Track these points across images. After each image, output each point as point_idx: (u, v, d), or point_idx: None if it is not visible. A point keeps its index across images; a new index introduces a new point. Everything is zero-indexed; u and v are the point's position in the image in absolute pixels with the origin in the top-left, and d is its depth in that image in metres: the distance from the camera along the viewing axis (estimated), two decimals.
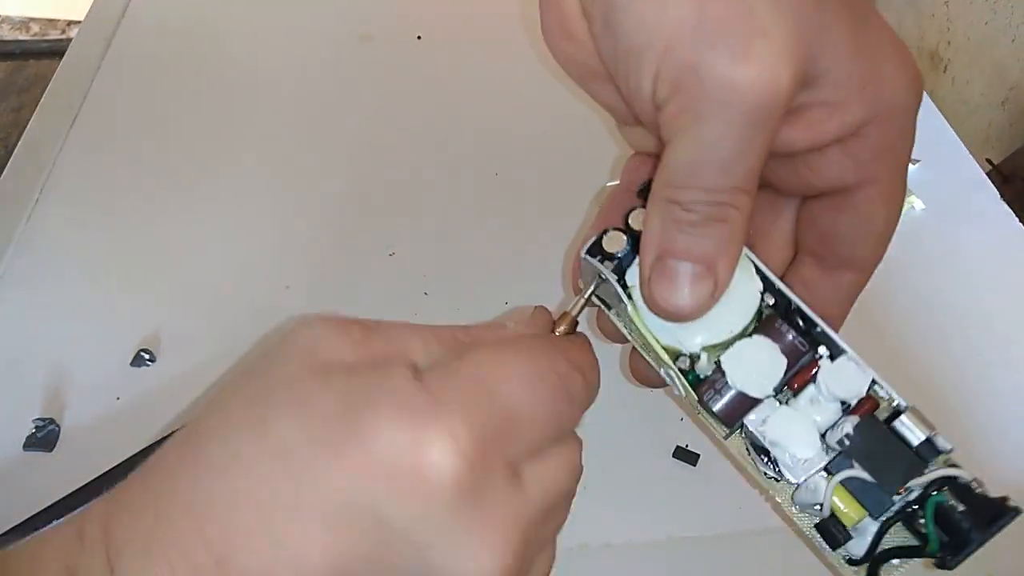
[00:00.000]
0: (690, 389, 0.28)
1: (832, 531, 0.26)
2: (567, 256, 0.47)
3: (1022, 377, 0.42)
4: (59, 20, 1.69)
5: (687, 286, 0.26)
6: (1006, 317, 0.45)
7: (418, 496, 0.20)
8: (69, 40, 0.63)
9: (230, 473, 0.20)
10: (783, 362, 0.27)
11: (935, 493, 0.25)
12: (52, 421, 0.38)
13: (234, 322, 0.43)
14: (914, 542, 0.26)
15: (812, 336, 0.28)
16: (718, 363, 0.28)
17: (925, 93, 0.57)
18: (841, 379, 0.27)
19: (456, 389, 0.22)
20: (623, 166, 0.32)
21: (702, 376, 0.28)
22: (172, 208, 0.49)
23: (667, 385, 0.29)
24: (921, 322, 0.44)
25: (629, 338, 0.30)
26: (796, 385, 0.27)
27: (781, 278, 0.29)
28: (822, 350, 0.28)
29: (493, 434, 0.22)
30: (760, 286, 0.28)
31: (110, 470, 0.36)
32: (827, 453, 0.27)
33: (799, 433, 0.27)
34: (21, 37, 1.68)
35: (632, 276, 0.28)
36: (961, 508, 0.25)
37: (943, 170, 0.53)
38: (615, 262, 0.29)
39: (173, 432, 0.23)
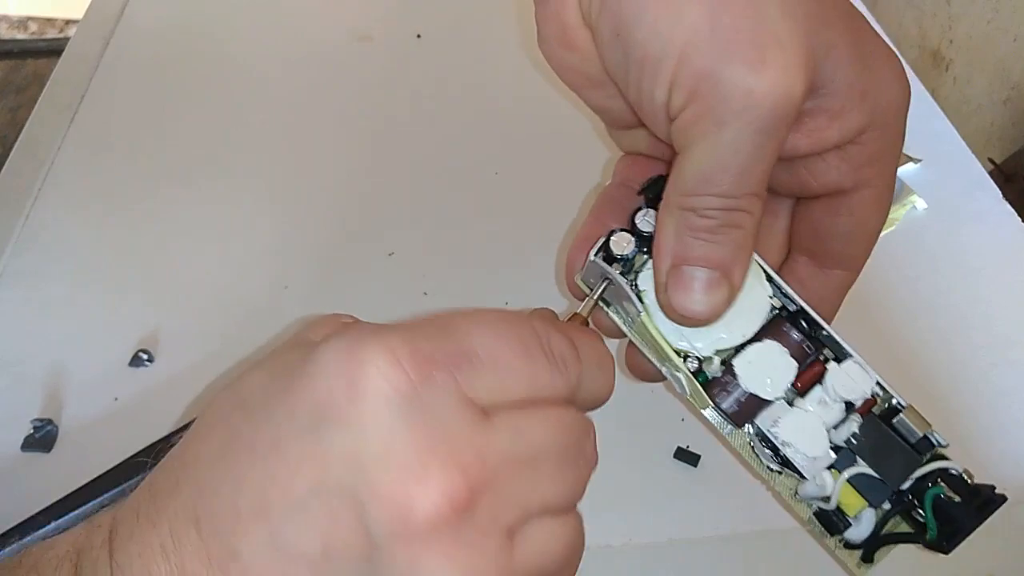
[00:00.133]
0: (700, 390, 0.28)
1: (833, 519, 0.28)
2: (560, 252, 0.47)
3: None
4: (57, 19, 1.69)
5: (703, 292, 0.26)
6: (1008, 317, 0.45)
7: (354, 412, 0.20)
8: (67, 39, 0.63)
9: (199, 433, 0.22)
10: (793, 365, 0.28)
11: (931, 485, 0.27)
12: (50, 421, 0.38)
13: (233, 322, 0.43)
14: (907, 528, 0.28)
15: (817, 339, 0.29)
16: (728, 365, 0.28)
17: (927, 92, 0.57)
18: (848, 381, 0.28)
19: (413, 324, 0.22)
20: (615, 165, 0.33)
21: (711, 377, 0.29)
22: (171, 208, 0.49)
23: (664, 379, 0.30)
24: (923, 322, 0.44)
25: (629, 335, 0.30)
26: (801, 386, 0.28)
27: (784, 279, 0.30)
28: (827, 352, 0.29)
29: (443, 357, 0.21)
30: (769, 291, 0.29)
31: (109, 470, 0.36)
32: (833, 450, 0.28)
33: (810, 433, 0.28)
34: (19, 36, 1.68)
35: (644, 281, 0.29)
36: (956, 499, 0.26)
37: (945, 169, 0.52)
38: (621, 263, 0.29)
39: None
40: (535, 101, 0.56)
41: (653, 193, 0.29)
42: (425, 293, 0.45)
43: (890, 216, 0.48)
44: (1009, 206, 0.51)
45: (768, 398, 0.28)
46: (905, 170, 0.52)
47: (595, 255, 0.29)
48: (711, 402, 0.28)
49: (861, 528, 0.27)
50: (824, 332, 0.28)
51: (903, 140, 0.28)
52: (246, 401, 0.22)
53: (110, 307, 0.44)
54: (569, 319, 0.29)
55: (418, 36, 0.61)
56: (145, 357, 0.41)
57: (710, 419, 0.29)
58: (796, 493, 0.28)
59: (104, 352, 0.42)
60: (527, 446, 0.21)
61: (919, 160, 0.52)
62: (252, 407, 0.21)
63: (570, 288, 0.31)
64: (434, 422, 0.20)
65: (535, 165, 0.52)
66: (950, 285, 0.46)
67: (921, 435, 0.27)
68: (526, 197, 0.51)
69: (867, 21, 0.27)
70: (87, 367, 0.41)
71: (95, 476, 0.36)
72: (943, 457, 0.27)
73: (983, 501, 0.26)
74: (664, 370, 0.29)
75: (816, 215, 0.30)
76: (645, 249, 0.29)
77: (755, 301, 0.29)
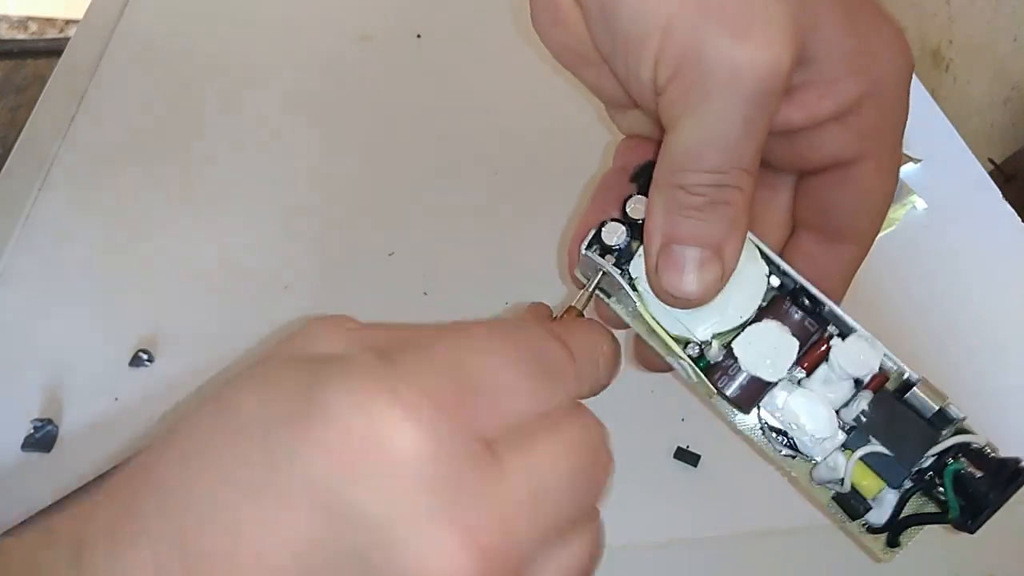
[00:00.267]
0: (703, 376, 0.28)
1: (852, 503, 0.27)
2: (561, 243, 0.47)
3: None
4: (57, 19, 1.69)
5: (695, 272, 0.26)
6: (1008, 317, 0.45)
7: (374, 472, 0.18)
8: (67, 39, 0.63)
9: (188, 456, 0.20)
10: (795, 344, 0.27)
11: (951, 461, 0.26)
12: (50, 422, 0.38)
13: (233, 322, 0.43)
14: (932, 508, 0.26)
15: (820, 316, 0.28)
16: (729, 349, 0.27)
17: (927, 93, 0.57)
18: (854, 357, 0.27)
19: (416, 360, 0.20)
20: (615, 149, 0.32)
21: (712, 362, 0.28)
22: (170, 208, 0.49)
23: (673, 370, 0.29)
24: (922, 322, 0.44)
25: (632, 325, 0.29)
26: (807, 365, 0.27)
27: (782, 256, 0.29)
28: (831, 328, 0.28)
29: (453, 400, 0.20)
30: (766, 269, 0.28)
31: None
32: (843, 430, 0.27)
33: (816, 413, 0.27)
34: (19, 36, 1.67)
35: (636, 268, 0.28)
36: (978, 474, 0.25)
37: (945, 170, 0.52)
38: (616, 254, 0.28)
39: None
40: (535, 101, 0.56)
41: (644, 179, 0.28)
42: (425, 293, 0.45)
43: (890, 216, 0.49)
44: (1009, 206, 0.51)
45: (770, 380, 0.27)
46: (905, 170, 0.52)
47: (586, 248, 0.28)
48: (714, 388, 0.28)
49: (882, 510, 0.26)
50: (825, 308, 0.27)
51: (907, 107, 0.27)
52: (242, 428, 0.19)
53: (110, 307, 0.44)
54: (564, 312, 0.28)
55: (418, 36, 0.61)
56: (145, 357, 0.41)
57: (719, 406, 0.28)
58: (811, 477, 0.28)
59: (104, 352, 0.42)
60: (543, 483, 0.20)
61: (919, 160, 0.52)
62: (248, 436, 0.19)
63: (573, 280, 0.31)
64: (451, 483, 0.19)
65: (535, 165, 0.52)
66: (950, 285, 0.46)
67: (937, 408, 0.26)
68: (526, 197, 0.51)
69: None
70: (87, 367, 0.41)
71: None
72: (965, 430, 0.26)
73: (1009, 475, 0.25)
74: (670, 359, 0.29)
75: (820, 189, 0.29)
76: (638, 237, 0.28)
77: (751, 280, 0.28)
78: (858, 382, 0.27)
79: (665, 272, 0.26)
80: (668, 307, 0.28)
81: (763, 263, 0.28)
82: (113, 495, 0.20)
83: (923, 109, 0.56)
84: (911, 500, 0.27)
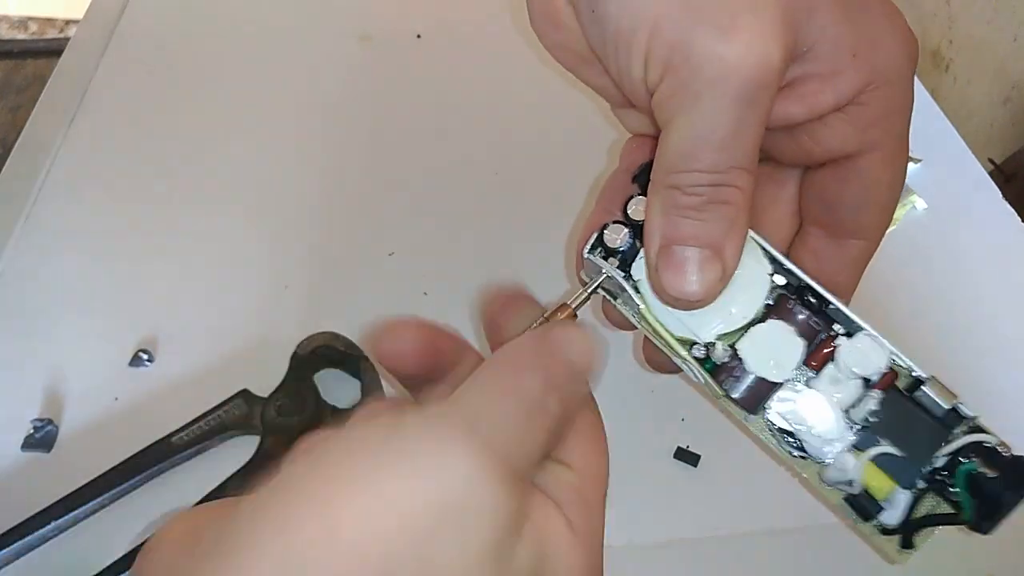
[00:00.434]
0: (709, 378, 0.27)
1: (864, 504, 0.26)
2: (568, 243, 0.47)
3: None
4: (57, 19, 1.69)
5: (695, 272, 0.25)
6: (1008, 317, 0.45)
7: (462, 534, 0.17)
8: (67, 39, 0.63)
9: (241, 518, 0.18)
10: (800, 344, 0.27)
11: (964, 461, 0.25)
12: (50, 421, 0.38)
13: (233, 322, 0.43)
14: (945, 508, 0.26)
15: (826, 314, 0.27)
16: (734, 350, 0.27)
17: (927, 93, 0.57)
18: (861, 356, 0.26)
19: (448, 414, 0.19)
20: (621, 149, 0.32)
21: (718, 363, 0.27)
22: (170, 208, 0.49)
23: (682, 371, 0.29)
24: (922, 322, 0.44)
25: (639, 327, 0.29)
26: (814, 364, 0.27)
27: (788, 254, 0.28)
28: (837, 327, 0.27)
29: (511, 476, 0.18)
30: (769, 268, 0.28)
31: (109, 470, 0.36)
32: (852, 430, 0.26)
33: (823, 414, 0.26)
34: (19, 36, 1.67)
35: (638, 269, 0.28)
36: (991, 474, 0.25)
37: (945, 170, 0.52)
38: (619, 256, 0.28)
39: None
40: (536, 101, 0.56)
41: (645, 179, 0.28)
42: (425, 293, 0.45)
43: None
44: (1009, 206, 0.51)
45: (775, 380, 0.27)
46: None
47: (588, 251, 0.28)
48: (719, 390, 0.27)
49: (895, 511, 0.26)
50: (831, 306, 0.27)
51: (911, 97, 0.27)
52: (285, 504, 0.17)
53: (110, 307, 0.44)
54: (558, 309, 0.28)
55: (418, 36, 0.61)
56: (145, 357, 0.41)
57: (728, 407, 0.28)
58: (821, 478, 0.27)
59: (104, 352, 0.42)
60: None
61: (919, 160, 0.52)
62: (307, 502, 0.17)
63: (581, 283, 0.31)
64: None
65: (536, 165, 0.52)
66: (950, 285, 0.46)
67: (948, 407, 0.25)
68: (527, 196, 0.51)
69: None
70: (87, 367, 0.41)
71: (95, 476, 0.36)
72: (979, 429, 0.25)
73: (1023, 474, 0.24)
74: (677, 361, 0.28)
75: (825, 183, 0.29)
76: (641, 238, 0.28)
77: (754, 280, 0.27)
78: (867, 382, 0.27)
79: (665, 273, 0.26)
80: (672, 309, 0.27)
81: (766, 262, 0.28)
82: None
83: (923, 109, 0.56)
84: (923, 501, 0.26)
